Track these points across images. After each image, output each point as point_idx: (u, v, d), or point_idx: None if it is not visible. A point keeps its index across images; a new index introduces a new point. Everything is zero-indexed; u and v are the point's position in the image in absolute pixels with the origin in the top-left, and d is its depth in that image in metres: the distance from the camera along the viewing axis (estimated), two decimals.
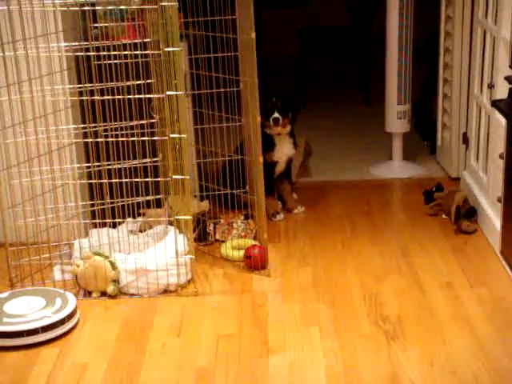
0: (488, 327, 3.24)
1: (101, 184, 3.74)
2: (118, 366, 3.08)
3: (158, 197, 3.88)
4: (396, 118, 5.03)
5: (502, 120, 3.70)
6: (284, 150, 4.47)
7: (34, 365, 3.11)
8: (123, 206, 3.79)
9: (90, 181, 3.82)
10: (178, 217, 3.73)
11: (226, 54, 3.79)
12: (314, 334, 3.25)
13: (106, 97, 3.63)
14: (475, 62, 4.37)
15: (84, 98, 3.68)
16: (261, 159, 3.70)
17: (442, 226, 4.24)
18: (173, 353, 3.17)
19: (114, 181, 3.72)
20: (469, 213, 4.14)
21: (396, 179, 5.07)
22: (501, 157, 3.70)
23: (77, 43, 3.66)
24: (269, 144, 4.36)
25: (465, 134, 4.65)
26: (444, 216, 4.31)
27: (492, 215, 3.96)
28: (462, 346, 3.10)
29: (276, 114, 4.28)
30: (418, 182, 4.89)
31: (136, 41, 3.68)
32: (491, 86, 3.98)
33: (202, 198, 4.24)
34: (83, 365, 3.10)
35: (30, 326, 3.23)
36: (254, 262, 3.80)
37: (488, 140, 4.13)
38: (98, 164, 3.72)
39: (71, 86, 3.80)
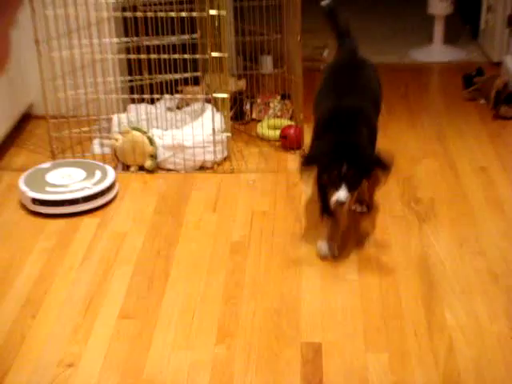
0: None
1: (139, 59, 3.81)
2: (156, 237, 3.22)
3: (196, 74, 3.91)
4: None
5: None
6: None
7: (75, 232, 3.26)
8: (161, 82, 3.85)
9: (129, 56, 3.88)
10: (215, 95, 3.77)
11: None
12: None
13: None
14: None
15: None
16: (299, 37, 3.72)
17: (479, 111, 4.28)
18: (208, 227, 3.29)
19: (152, 56, 3.77)
20: (508, 98, 4.16)
21: (435, 63, 5.09)
22: None
23: None
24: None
25: (510, 17, 4.60)
26: (482, 101, 4.34)
27: None
28: (493, 229, 3.20)
29: (342, 194, 2.84)
30: (458, 66, 4.90)
31: None
32: None
33: (239, 77, 4.28)
34: (122, 234, 3.24)
35: (71, 196, 3.37)
36: (290, 142, 3.87)
37: None
38: (136, 39, 3.78)
39: None
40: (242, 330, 2.69)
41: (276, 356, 2.57)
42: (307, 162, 2.95)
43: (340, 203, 2.84)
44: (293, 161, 3.80)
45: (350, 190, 2.85)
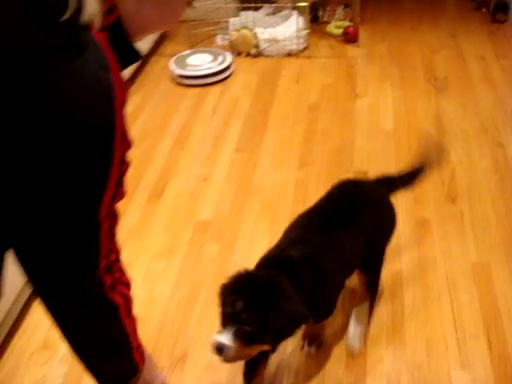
0: (505, 86, 3.20)
1: None
2: (258, 100, 3.21)
3: None
4: None
5: None
6: None
7: (206, 97, 3.28)
8: None
9: None
10: (298, 4, 3.69)
11: None
12: (387, 86, 3.27)
13: None
14: None
15: None
16: None
17: (482, 17, 4.03)
18: (293, 94, 3.26)
19: None
20: (503, 7, 3.92)
21: None
22: None
23: None
24: None
25: None
26: (484, 10, 4.09)
27: None
28: (486, 98, 3.09)
29: (224, 338, 1.32)
30: None
31: None
32: None
33: None
34: (236, 98, 3.24)
35: (203, 72, 3.37)
36: (350, 37, 3.75)
37: None
38: None
39: None
40: (315, 161, 2.72)
41: (337, 177, 2.53)
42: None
43: (218, 348, 1.32)
44: (351, 50, 3.70)
45: (239, 337, 1.32)
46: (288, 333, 1.42)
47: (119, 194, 0.96)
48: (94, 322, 1.05)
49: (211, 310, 2.04)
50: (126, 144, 0.93)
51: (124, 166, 0.93)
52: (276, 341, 1.42)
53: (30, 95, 0.80)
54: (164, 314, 2.04)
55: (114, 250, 1.04)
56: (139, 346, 1.16)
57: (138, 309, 2.05)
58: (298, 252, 1.55)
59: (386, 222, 1.80)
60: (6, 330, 1.96)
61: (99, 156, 0.87)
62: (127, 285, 1.08)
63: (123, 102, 0.90)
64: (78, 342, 1.09)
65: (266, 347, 1.41)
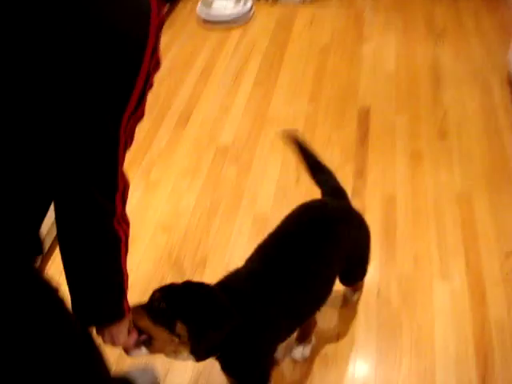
0: (494, 38, 2.98)
1: None
2: (275, 41, 3.04)
3: None
4: None
5: None
6: None
7: (228, 38, 3.13)
8: None
9: None
10: None
11: None
12: (391, 34, 3.06)
13: None
14: None
15: None
16: None
17: None
18: (306, 37, 3.06)
19: None
20: None
21: None
22: None
23: None
24: None
25: None
26: None
27: None
28: (478, 49, 2.90)
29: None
30: None
31: None
32: None
33: None
34: (255, 39, 3.10)
35: (227, 16, 3.19)
36: None
37: None
38: None
39: None
40: (324, 97, 2.60)
41: (343, 112, 2.51)
42: None
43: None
44: (360, 0, 3.45)
45: (144, 307, 1.13)
46: (209, 334, 1.12)
47: (140, 110, 0.89)
48: (100, 250, 0.96)
49: (228, 222, 2.01)
50: (155, 62, 0.86)
51: (149, 84, 0.87)
52: (195, 341, 1.11)
53: (74, 7, 0.77)
54: (188, 224, 2.02)
55: (125, 179, 0.94)
56: (127, 298, 1.07)
57: (165, 219, 2.03)
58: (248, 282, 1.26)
59: (359, 235, 1.47)
60: (51, 238, 1.93)
61: (128, 64, 0.82)
62: (128, 224, 0.99)
63: (159, 25, 0.84)
64: (79, 273, 1.00)
65: (178, 343, 1.11)
